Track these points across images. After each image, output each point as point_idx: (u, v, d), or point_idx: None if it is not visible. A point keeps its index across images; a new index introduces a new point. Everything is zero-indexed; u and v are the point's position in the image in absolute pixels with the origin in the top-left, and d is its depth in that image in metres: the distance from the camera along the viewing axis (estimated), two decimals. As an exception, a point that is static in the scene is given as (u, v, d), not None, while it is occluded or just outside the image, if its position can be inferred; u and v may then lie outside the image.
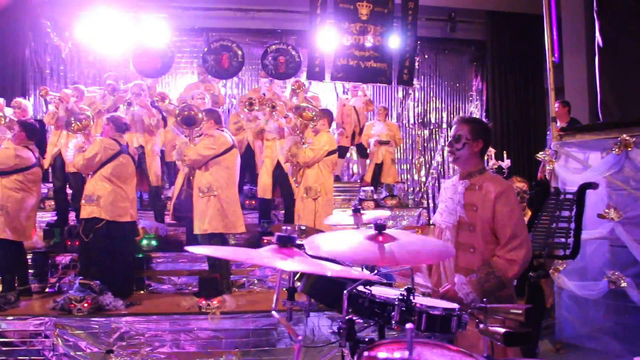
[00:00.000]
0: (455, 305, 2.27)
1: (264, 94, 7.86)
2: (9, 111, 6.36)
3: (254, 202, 7.19)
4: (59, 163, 6.52)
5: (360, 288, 2.87)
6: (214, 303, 4.75)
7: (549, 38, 5.54)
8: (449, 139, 2.89)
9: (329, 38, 8.85)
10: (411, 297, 2.18)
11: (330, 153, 5.60)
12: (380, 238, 1.85)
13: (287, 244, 1.58)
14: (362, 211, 3.21)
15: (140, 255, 5.86)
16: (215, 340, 4.70)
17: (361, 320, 2.91)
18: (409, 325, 1.32)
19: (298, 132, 5.70)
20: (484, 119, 10.69)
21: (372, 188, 7.90)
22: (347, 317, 1.85)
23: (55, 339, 4.61)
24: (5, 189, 5.16)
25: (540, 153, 5.51)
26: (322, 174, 5.53)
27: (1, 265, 5.36)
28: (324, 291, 2.89)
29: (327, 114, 5.82)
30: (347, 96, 9.72)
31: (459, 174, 2.94)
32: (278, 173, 6.62)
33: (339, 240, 2.02)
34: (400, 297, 2.23)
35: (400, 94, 11.20)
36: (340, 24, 8.90)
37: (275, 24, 10.57)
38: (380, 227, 1.88)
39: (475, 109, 10.98)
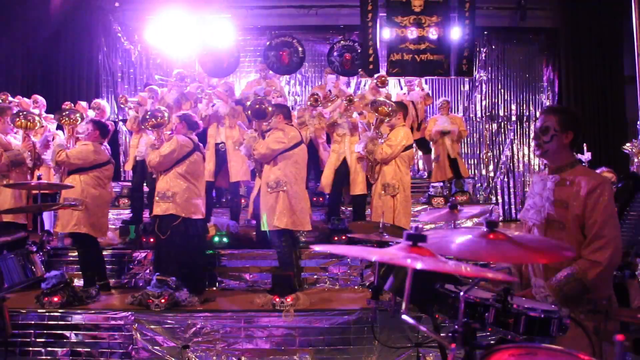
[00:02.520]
0: (554, 307, 2.10)
1: (329, 91, 7.80)
2: (91, 113, 6.68)
3: (321, 199, 7.13)
4: (140, 163, 6.72)
5: (450, 287, 2.74)
6: (287, 301, 4.72)
7: (638, 20, 5.14)
8: (535, 131, 2.68)
9: (382, 33, 8.66)
10: (508, 298, 2.04)
11: (407, 148, 5.42)
12: (491, 235, 1.71)
13: (418, 241, 1.46)
14: (458, 207, 3.04)
15: (211, 252, 5.91)
16: (289, 338, 4.67)
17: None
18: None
19: (373, 127, 5.55)
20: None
21: (441, 184, 7.66)
22: (463, 320, 1.71)
23: (134, 333, 4.72)
24: (84, 185, 5.30)
25: (627, 145, 5.14)
26: (399, 170, 5.36)
27: (82, 261, 5.57)
28: (414, 290, 2.76)
29: (402, 108, 5.64)
30: (404, 91, 9.51)
31: (548, 168, 2.73)
32: (342, 169, 6.53)
33: (447, 238, 1.88)
34: (497, 297, 2.08)
35: (466, 87, 10.85)
36: (392, 18, 8.71)
37: (338, 20, 10.51)
38: (492, 225, 1.74)
39: (547, 100, 10.47)
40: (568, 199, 2.49)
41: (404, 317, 1.77)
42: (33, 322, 4.82)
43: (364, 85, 10.43)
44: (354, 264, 5.85)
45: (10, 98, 6.30)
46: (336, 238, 6.05)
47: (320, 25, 10.59)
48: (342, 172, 6.50)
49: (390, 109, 5.45)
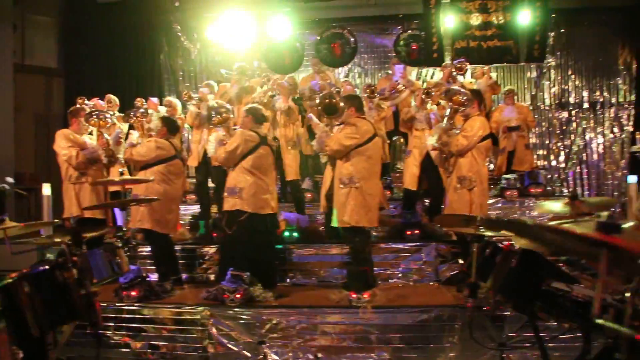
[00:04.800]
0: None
1: (397, 81, 7.59)
2: (162, 109, 6.81)
3: (388, 192, 6.95)
4: (204, 159, 6.77)
5: (559, 285, 2.52)
6: (364, 297, 4.59)
7: None
8: None
9: (445, 20, 8.34)
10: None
11: (484, 138, 5.14)
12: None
13: (611, 231, 1.29)
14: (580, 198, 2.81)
15: (281, 247, 5.86)
16: (367, 335, 4.53)
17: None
18: None
19: (446, 118, 5.31)
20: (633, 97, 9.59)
21: (514, 176, 7.32)
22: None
23: (210, 327, 4.71)
24: None
25: None
26: (476, 162, 5.09)
27: (156, 256, 5.64)
28: (517, 289, 2.59)
29: (477, 97, 5.36)
30: (470, 80, 9.14)
31: None
32: (427, 164, 6.31)
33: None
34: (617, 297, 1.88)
35: (533, 74, 10.35)
36: (457, 4, 8.36)
37: (397, 9, 10.25)
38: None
39: (623, 86, 9.83)
40: None
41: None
42: (113, 316, 4.91)
43: (426, 76, 10.15)
44: (428, 259, 5.66)
45: (86, 101, 6.46)
46: (409, 233, 5.87)
47: (379, 16, 10.36)
48: (429, 166, 6.26)
49: (465, 97, 5.18)
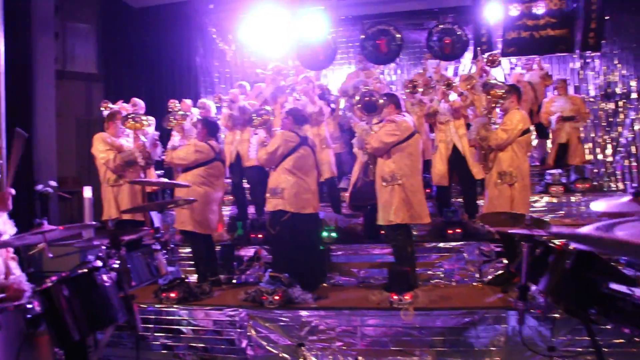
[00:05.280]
0: None
1: (430, 77, 7.42)
2: (195, 111, 6.83)
3: (427, 190, 6.77)
4: (237, 160, 6.76)
5: (618, 287, 2.35)
6: (406, 298, 4.45)
7: None
8: None
9: (494, 11, 8.07)
10: None
11: (524, 132, 4.95)
12: None
13: None
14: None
15: (322, 248, 5.78)
16: (409, 337, 4.39)
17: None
18: None
19: (484, 112, 5.14)
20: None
21: (559, 171, 7.03)
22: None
23: (249, 329, 4.67)
24: (190, 183, 5.36)
25: None
26: (516, 156, 4.90)
27: (195, 257, 5.65)
28: (572, 292, 2.42)
29: (515, 91, 5.18)
30: (522, 72, 8.84)
31: None
32: (454, 158, 6.15)
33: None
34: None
35: (576, 65, 9.94)
36: None
37: (431, 3, 10.04)
38: None
39: (675, 75, 9.33)
40: None
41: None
42: (152, 317, 4.94)
43: (463, 71, 9.91)
44: (471, 259, 5.48)
45: (110, 105, 6.51)
46: (450, 232, 5.69)
47: (414, 11, 10.18)
48: (457, 160, 6.12)
49: (503, 91, 5.02)
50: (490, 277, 5.40)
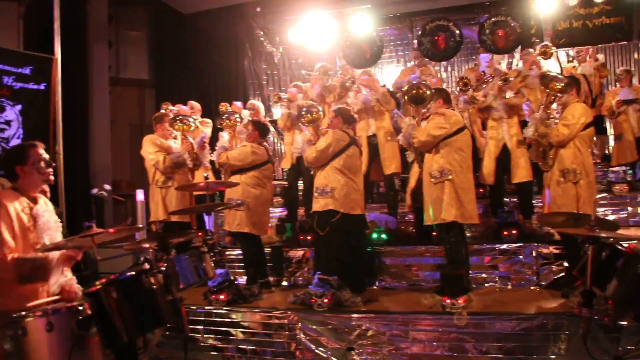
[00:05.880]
0: None
1: (483, 72, 7.16)
2: (245, 113, 6.88)
3: (481, 190, 6.54)
4: (297, 160, 6.75)
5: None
6: (459, 302, 4.27)
7: None
8: None
9: (545, 1, 7.72)
10: None
11: (587, 126, 4.65)
12: None
13: None
14: None
15: (369, 249, 5.67)
16: (462, 343, 4.21)
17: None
18: None
19: (542, 107, 4.87)
20: None
21: (624, 168, 6.62)
22: None
23: (298, 332, 4.62)
24: (245, 185, 5.37)
25: None
26: (579, 152, 4.60)
27: (246, 259, 5.66)
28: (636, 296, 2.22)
29: (575, 83, 4.89)
30: (574, 64, 8.42)
31: None
32: (504, 157, 5.91)
33: None
34: None
35: (635, 55, 9.38)
36: None
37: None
38: None
39: None
40: None
41: None
42: (202, 319, 4.97)
43: (517, 65, 9.55)
44: (528, 261, 5.22)
45: (170, 107, 6.66)
46: (506, 233, 5.45)
47: (464, 5, 9.89)
48: (504, 160, 5.88)
49: (562, 84, 4.73)
50: (549, 280, 5.12)
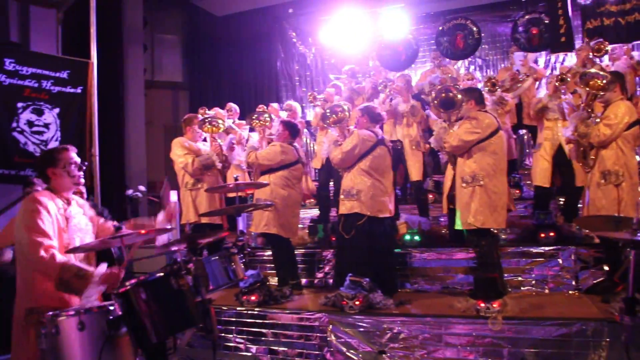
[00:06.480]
0: None
1: (517, 70, 6.99)
2: (283, 114, 6.91)
3: (517, 190, 6.36)
4: (327, 161, 6.71)
5: None
6: (494, 306, 4.14)
7: None
8: None
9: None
10: None
11: (630, 126, 4.41)
12: None
13: None
14: None
15: (399, 251, 5.58)
16: (497, 348, 4.08)
17: None
18: None
19: (583, 105, 4.67)
20: None
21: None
22: None
23: (329, 335, 4.57)
24: (273, 186, 5.37)
25: None
26: (622, 153, 4.40)
27: (275, 260, 5.65)
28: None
29: (619, 79, 4.65)
30: (606, 62, 8.11)
31: None
32: (559, 159, 5.72)
33: None
34: None
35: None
36: None
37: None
38: None
39: None
40: None
41: None
42: (233, 319, 4.98)
43: (555, 63, 9.28)
44: (567, 265, 5.04)
45: (207, 111, 6.70)
46: (543, 235, 5.28)
47: (499, 3, 9.69)
48: (560, 162, 5.69)
49: (604, 81, 4.50)
50: (588, 285, 4.93)
